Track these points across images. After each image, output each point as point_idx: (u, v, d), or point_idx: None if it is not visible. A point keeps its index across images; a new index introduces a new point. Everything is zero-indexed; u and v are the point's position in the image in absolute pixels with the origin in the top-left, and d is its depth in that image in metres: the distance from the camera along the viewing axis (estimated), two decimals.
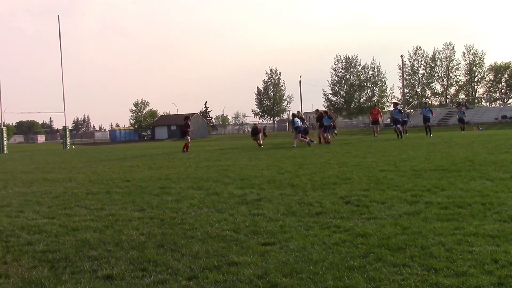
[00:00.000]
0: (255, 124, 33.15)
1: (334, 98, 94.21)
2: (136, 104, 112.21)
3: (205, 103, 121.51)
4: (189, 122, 28.08)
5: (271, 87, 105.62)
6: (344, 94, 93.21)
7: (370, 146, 23.50)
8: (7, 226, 7.34)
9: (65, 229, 6.96)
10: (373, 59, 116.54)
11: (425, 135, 31.08)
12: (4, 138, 47.68)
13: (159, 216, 7.57)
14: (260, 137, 29.65)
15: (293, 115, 28.34)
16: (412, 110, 79.31)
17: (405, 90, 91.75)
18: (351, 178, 10.96)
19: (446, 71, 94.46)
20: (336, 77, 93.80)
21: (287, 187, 10.01)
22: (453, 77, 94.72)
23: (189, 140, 27.43)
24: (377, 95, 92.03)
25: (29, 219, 7.83)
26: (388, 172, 11.64)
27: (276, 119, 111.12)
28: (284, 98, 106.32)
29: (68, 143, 55.14)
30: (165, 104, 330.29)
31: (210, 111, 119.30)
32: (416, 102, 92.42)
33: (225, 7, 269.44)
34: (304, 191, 9.33)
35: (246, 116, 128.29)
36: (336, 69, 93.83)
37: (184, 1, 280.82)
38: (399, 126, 29.86)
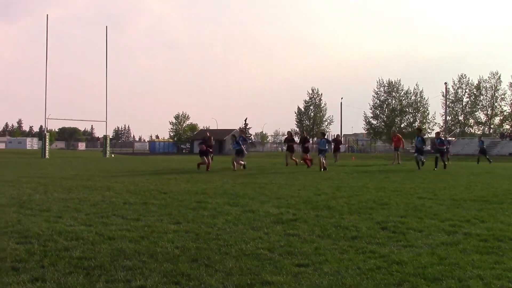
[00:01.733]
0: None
1: (374, 122, 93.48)
2: (176, 117, 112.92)
3: (245, 120, 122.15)
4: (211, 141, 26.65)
5: (311, 107, 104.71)
6: (385, 118, 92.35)
7: (409, 172, 23.20)
8: (46, 230, 7.47)
9: (101, 237, 7.05)
10: (416, 84, 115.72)
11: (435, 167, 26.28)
12: (47, 144, 48.81)
13: (195, 230, 7.59)
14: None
15: (235, 137, 25.55)
16: (453, 138, 78.10)
17: (448, 118, 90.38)
18: (389, 203, 10.83)
19: (491, 100, 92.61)
20: (378, 101, 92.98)
21: (323, 209, 9.94)
22: (498, 107, 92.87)
23: (206, 160, 24.67)
24: (418, 121, 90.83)
25: (67, 225, 7.96)
26: (426, 200, 11.46)
27: (315, 139, 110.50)
28: (324, 119, 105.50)
29: (108, 151, 56.05)
30: (205, 118, 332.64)
31: (250, 127, 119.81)
32: (458, 130, 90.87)
33: (272, 27, 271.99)
34: (340, 214, 9.25)
35: (285, 135, 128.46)
36: (378, 92, 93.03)
37: (232, 19, 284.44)
38: (420, 155, 26.87)
